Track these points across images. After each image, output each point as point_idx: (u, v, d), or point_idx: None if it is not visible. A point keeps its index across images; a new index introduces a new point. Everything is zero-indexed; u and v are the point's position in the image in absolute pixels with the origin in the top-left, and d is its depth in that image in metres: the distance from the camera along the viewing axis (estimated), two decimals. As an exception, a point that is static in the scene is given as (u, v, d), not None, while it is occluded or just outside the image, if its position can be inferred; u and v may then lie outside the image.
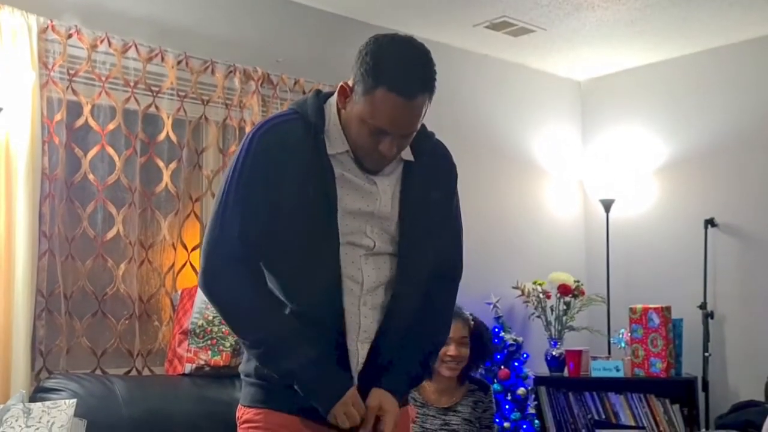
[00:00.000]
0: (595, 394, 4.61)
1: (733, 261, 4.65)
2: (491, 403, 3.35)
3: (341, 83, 1.87)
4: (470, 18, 4.29)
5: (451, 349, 3.18)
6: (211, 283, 1.87)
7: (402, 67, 1.81)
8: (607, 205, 4.97)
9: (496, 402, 3.72)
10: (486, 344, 3.46)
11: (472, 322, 3.36)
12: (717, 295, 4.63)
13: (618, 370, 4.51)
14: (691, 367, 4.52)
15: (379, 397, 1.90)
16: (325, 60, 4.10)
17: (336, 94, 1.88)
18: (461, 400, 3.28)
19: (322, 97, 1.92)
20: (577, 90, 5.41)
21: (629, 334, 4.54)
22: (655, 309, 4.45)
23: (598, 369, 4.55)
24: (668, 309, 4.45)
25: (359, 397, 1.87)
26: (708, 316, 4.52)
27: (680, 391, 4.50)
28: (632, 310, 4.53)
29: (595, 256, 5.16)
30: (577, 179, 5.30)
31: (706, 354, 4.46)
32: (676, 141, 4.94)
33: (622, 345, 4.59)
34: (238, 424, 1.97)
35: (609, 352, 4.78)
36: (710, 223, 4.66)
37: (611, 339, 4.74)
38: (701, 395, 4.45)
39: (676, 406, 4.48)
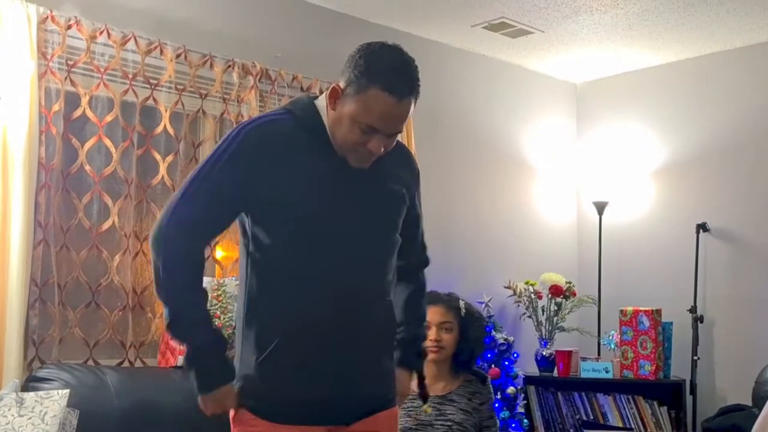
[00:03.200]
0: (583, 394, 4.64)
1: (724, 266, 4.68)
2: (489, 394, 3.28)
3: (333, 85, 1.94)
4: (469, 18, 4.30)
5: (431, 333, 3.15)
6: (161, 243, 1.93)
7: (393, 71, 1.91)
8: (601, 207, 5.00)
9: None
10: (472, 332, 3.32)
11: (464, 310, 3.31)
12: (707, 299, 4.66)
13: (607, 372, 4.54)
14: (679, 370, 4.56)
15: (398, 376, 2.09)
16: (324, 56, 4.11)
17: (326, 96, 1.95)
18: (456, 389, 3.23)
19: (312, 98, 2.01)
20: (573, 92, 5.43)
21: (619, 336, 4.57)
22: (645, 311, 4.48)
23: (588, 370, 4.58)
24: (658, 312, 4.48)
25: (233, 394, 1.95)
26: (698, 319, 4.55)
27: (668, 393, 4.53)
28: (622, 312, 4.56)
29: (587, 257, 5.19)
30: (571, 181, 5.33)
31: (695, 357, 4.49)
32: (670, 145, 4.97)
33: (612, 346, 4.62)
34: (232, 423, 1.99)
35: (599, 354, 4.81)
36: (702, 227, 4.70)
37: (601, 340, 4.77)
38: (689, 398, 4.48)
39: (664, 409, 4.52)
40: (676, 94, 4.98)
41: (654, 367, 4.42)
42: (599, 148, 5.21)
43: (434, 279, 4.07)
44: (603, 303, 4.89)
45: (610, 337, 4.63)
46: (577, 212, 5.35)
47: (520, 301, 4.72)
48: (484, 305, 4.49)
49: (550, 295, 4.69)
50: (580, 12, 4.17)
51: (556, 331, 4.70)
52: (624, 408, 4.57)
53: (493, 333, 4.45)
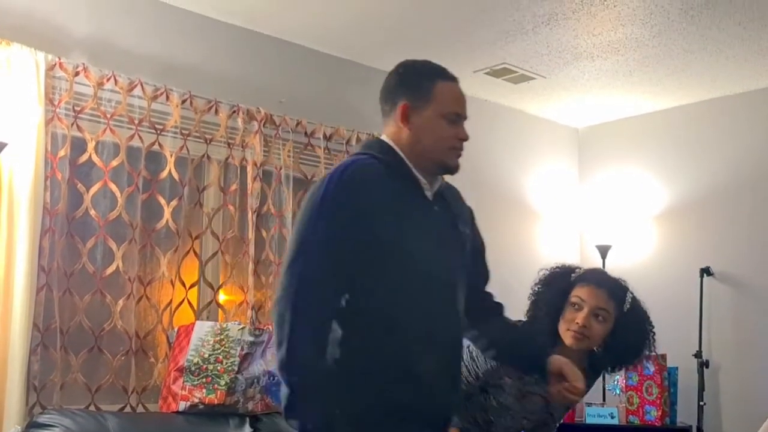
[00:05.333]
0: (590, 441, 4.59)
1: (729, 310, 4.66)
2: None
3: (401, 104, 2.00)
4: (471, 64, 4.35)
5: (581, 315, 2.52)
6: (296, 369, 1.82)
7: (435, 65, 2.09)
8: (604, 251, 4.99)
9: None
10: (626, 335, 2.59)
11: (628, 305, 2.59)
12: (712, 344, 4.63)
13: (613, 417, 4.49)
14: (685, 415, 4.51)
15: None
16: (327, 101, 4.16)
17: (397, 119, 2.01)
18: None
19: (377, 139, 2.07)
20: (575, 137, 5.47)
21: (624, 381, 4.53)
22: (650, 356, 4.44)
23: (593, 416, 4.53)
24: (663, 357, 4.45)
25: None
26: (703, 364, 4.51)
27: (675, 440, 4.48)
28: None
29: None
30: (574, 225, 5.33)
31: (701, 403, 4.45)
32: (672, 189, 4.99)
33: (617, 392, 4.58)
34: None
35: (604, 399, 4.77)
36: (706, 271, 4.69)
37: (606, 385, 4.73)
38: (699, 445, 4.44)
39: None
40: (677, 139, 5.01)
41: (660, 413, 4.38)
42: (602, 192, 5.23)
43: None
44: (607, 348, 4.85)
45: (616, 383, 4.60)
46: (581, 256, 5.34)
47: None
48: (487, 350, 4.46)
49: (554, 340, 4.66)
50: (580, 59, 4.22)
51: (561, 376, 4.65)
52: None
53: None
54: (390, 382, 1.86)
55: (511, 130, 5.10)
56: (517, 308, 4.81)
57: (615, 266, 5.00)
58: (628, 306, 2.61)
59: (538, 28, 3.86)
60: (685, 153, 4.96)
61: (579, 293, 2.58)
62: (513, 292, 4.89)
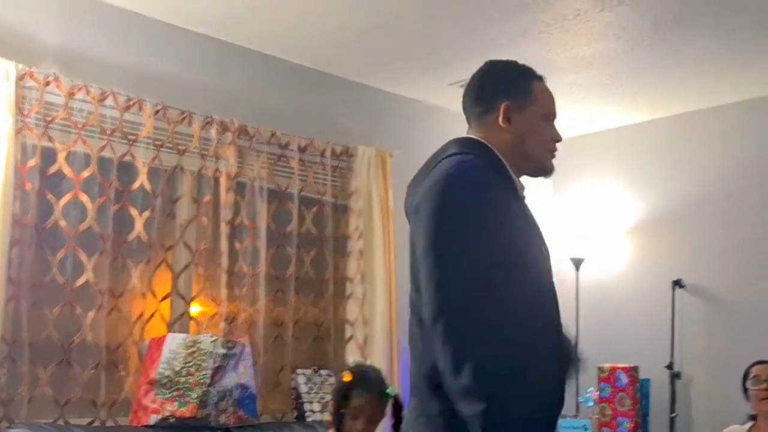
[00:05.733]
0: (562, 453, 4.60)
1: (700, 322, 4.70)
2: None
3: (503, 105, 1.90)
4: (446, 76, 4.36)
5: (358, 424, 2.80)
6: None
7: (524, 64, 2.01)
8: (578, 263, 5.02)
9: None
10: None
11: (393, 400, 2.91)
12: (684, 356, 4.67)
13: (586, 429, 4.51)
14: (658, 427, 4.54)
15: None
16: (302, 113, 4.16)
17: (497, 120, 1.90)
18: None
19: (471, 138, 1.94)
20: (549, 149, 5.50)
21: (597, 393, 4.55)
22: (623, 368, 4.48)
23: (567, 428, 4.55)
24: (636, 369, 4.48)
25: None
26: (675, 376, 4.55)
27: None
28: (601, 369, 4.56)
29: (565, 314, 5.17)
30: (548, 238, 5.33)
31: (673, 415, 4.48)
32: (645, 203, 5.03)
33: (590, 404, 4.60)
34: None
35: (577, 411, 4.78)
36: (678, 284, 4.73)
37: (579, 398, 4.75)
38: (667, 456, 4.46)
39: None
40: (650, 153, 5.06)
41: (633, 425, 4.41)
42: (576, 205, 5.26)
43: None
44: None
45: (589, 395, 4.61)
46: (555, 269, 5.34)
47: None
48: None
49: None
50: (554, 73, 4.22)
51: (535, 388, 4.67)
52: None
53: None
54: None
55: (486, 142, 5.11)
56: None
57: (588, 279, 5.05)
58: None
59: (513, 42, 3.88)
60: (658, 166, 5.01)
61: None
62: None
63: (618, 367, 4.49)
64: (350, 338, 4.09)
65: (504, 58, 4.07)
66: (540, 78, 1.98)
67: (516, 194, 1.91)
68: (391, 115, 4.62)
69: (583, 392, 4.69)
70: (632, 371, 4.46)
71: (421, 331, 1.76)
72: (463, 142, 1.91)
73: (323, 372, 3.88)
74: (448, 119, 4.88)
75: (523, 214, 1.89)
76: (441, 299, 1.65)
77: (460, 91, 4.71)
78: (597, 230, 5.10)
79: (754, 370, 3.75)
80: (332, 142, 4.13)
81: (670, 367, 4.58)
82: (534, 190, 5.27)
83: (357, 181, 4.20)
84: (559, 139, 1.95)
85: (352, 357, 4.03)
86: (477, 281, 1.64)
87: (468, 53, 4.05)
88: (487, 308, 1.63)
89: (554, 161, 1.97)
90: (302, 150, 4.04)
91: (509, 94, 1.92)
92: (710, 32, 3.76)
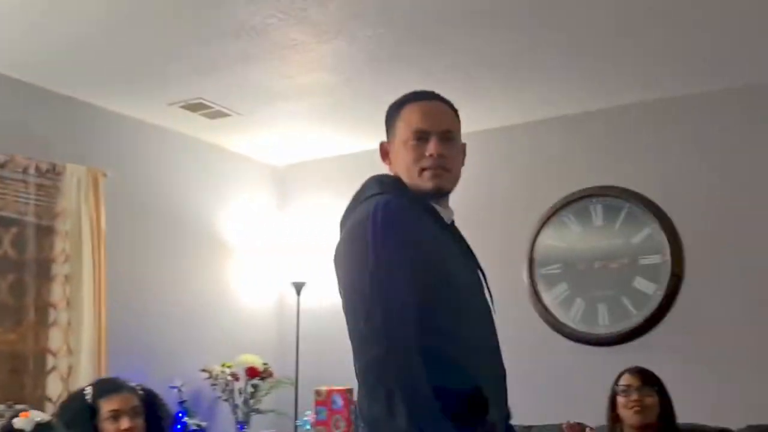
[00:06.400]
0: (279, 477, 4.61)
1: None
2: None
3: (380, 143, 2.01)
4: (166, 96, 4.26)
5: (124, 422, 2.92)
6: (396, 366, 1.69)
7: (411, 94, 1.99)
8: (299, 287, 5.09)
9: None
10: (161, 414, 3.19)
11: (141, 392, 3.11)
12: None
13: (302, 453, 4.56)
14: (371, 447, 4.68)
15: None
16: (12, 128, 3.86)
17: (381, 157, 2.00)
18: None
19: (380, 176, 1.98)
20: (274, 174, 5.55)
21: (314, 417, 4.62)
22: (339, 391, 4.58)
23: (283, 452, 4.57)
24: (351, 391, 4.59)
25: None
26: (388, 396, 4.72)
27: (357, 471, 4.63)
28: (318, 393, 4.63)
29: (285, 337, 5.24)
30: (271, 262, 5.37)
31: (385, 434, 4.64)
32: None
33: (308, 427, 4.65)
34: None
35: (298, 436, 4.83)
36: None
37: (297, 421, 4.80)
38: (380, 475, 4.61)
39: (357, 487, 4.61)
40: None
41: (347, 446, 4.52)
42: (300, 230, 5.33)
43: (125, 363, 3.91)
44: (301, 384, 4.93)
45: (306, 418, 4.67)
46: (278, 292, 5.40)
47: (216, 385, 4.62)
48: (177, 390, 4.35)
49: (247, 377, 4.65)
50: (276, 99, 4.29)
51: (253, 413, 4.65)
52: (319, 489, 4.59)
53: (186, 419, 4.30)
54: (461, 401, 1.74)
55: (209, 165, 5.05)
56: (211, 347, 4.77)
57: (310, 302, 5.13)
58: (141, 392, 3.09)
59: (232, 66, 3.87)
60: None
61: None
62: (207, 331, 4.87)
63: (334, 390, 4.59)
64: (52, 369, 3.82)
65: (224, 80, 4.08)
66: (402, 104, 1.97)
67: (438, 222, 1.92)
68: (108, 133, 4.41)
69: (301, 416, 4.74)
70: (347, 393, 4.57)
71: None
72: (381, 180, 1.96)
73: (18, 407, 3.58)
74: (168, 140, 4.77)
75: (445, 243, 1.91)
76: (361, 340, 1.81)
77: (181, 112, 4.65)
78: (320, 254, 5.20)
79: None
80: (36, 159, 3.86)
81: (383, 387, 4.75)
82: (258, 215, 5.33)
83: (65, 200, 3.95)
84: (430, 153, 1.89)
85: (54, 389, 3.77)
86: (391, 321, 1.71)
87: (188, 74, 3.99)
88: (404, 346, 1.70)
89: (426, 175, 1.92)
90: (2, 166, 3.74)
91: (387, 133, 2.00)
92: (418, 69, 3.98)
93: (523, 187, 4.78)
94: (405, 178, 1.93)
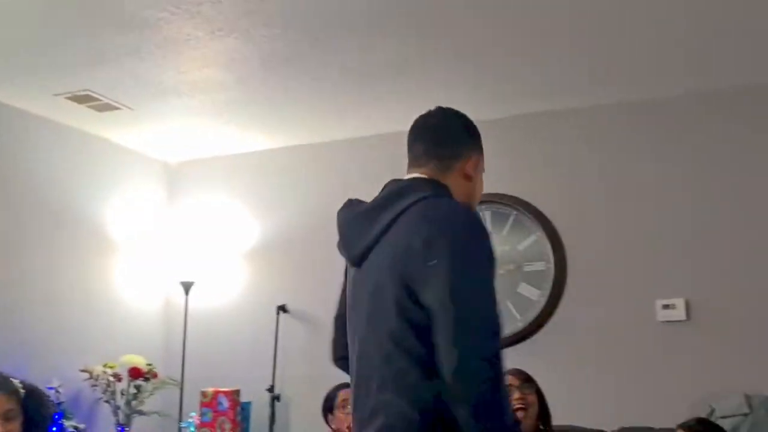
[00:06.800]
0: (161, 481, 4.52)
1: (301, 346, 4.92)
2: None
3: (473, 158, 1.99)
4: (52, 87, 4.11)
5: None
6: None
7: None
8: (187, 287, 5.00)
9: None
10: (43, 413, 2.91)
11: (23, 390, 2.83)
12: (285, 378, 4.84)
13: (185, 455, 4.48)
14: (257, 449, 4.65)
15: None
16: None
17: (463, 170, 1.98)
18: None
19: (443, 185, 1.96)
20: (165, 170, 5.43)
21: (199, 419, 4.55)
22: (224, 392, 4.53)
23: (166, 455, 4.48)
24: (237, 392, 4.56)
25: None
26: (275, 398, 4.71)
27: (244, 473, 4.59)
28: (203, 394, 4.57)
29: (172, 338, 5.14)
30: (159, 260, 5.26)
31: (271, 435, 4.63)
32: (257, 229, 5.18)
33: (192, 429, 4.58)
34: None
35: (180, 437, 4.74)
36: (282, 309, 4.91)
37: (182, 423, 4.71)
38: (265, 476, 4.59)
39: (241, 489, 4.57)
40: (265, 181, 5.22)
41: (232, 448, 4.47)
42: (190, 229, 5.25)
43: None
44: (187, 385, 4.84)
45: (191, 420, 4.59)
46: (165, 292, 5.29)
47: (97, 386, 4.49)
48: (54, 391, 4.19)
49: (130, 378, 4.53)
50: (167, 94, 4.20)
51: (135, 415, 4.54)
52: (200, 492, 4.53)
53: (63, 421, 4.16)
54: None
55: (96, 159, 4.90)
56: (94, 346, 4.62)
57: (199, 302, 5.05)
58: (23, 391, 2.83)
59: (122, 58, 3.77)
60: (269, 195, 5.19)
61: None
62: (89, 330, 4.72)
63: (220, 391, 4.53)
64: None
65: (113, 73, 3.97)
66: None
67: None
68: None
69: (186, 418, 4.66)
70: (234, 395, 4.53)
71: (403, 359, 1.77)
72: (433, 185, 1.92)
73: None
74: (53, 131, 4.60)
75: None
76: (470, 345, 1.67)
77: (68, 104, 4.49)
78: (210, 254, 5.13)
79: (342, 395, 3.89)
80: None
81: (271, 389, 4.73)
82: (148, 212, 5.20)
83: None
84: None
85: None
86: (492, 328, 1.70)
87: (74, 65, 3.86)
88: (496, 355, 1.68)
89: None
90: None
91: (476, 148, 2.01)
92: (313, 74, 3.98)
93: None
94: (463, 198, 1.96)
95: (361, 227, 1.93)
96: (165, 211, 5.39)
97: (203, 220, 5.28)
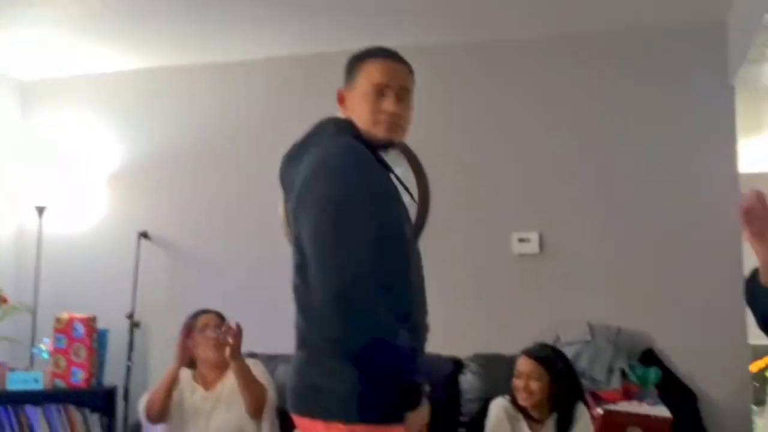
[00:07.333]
0: (10, 408, 4.37)
1: (163, 272, 4.84)
2: None
3: (338, 90, 2.19)
4: None
5: None
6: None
7: (376, 49, 2.20)
8: (41, 210, 4.80)
9: None
10: None
11: None
12: (145, 305, 4.75)
13: (37, 382, 4.35)
14: (113, 375, 4.58)
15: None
16: None
17: (338, 102, 2.19)
18: None
19: (333, 119, 2.16)
20: (20, 89, 5.14)
21: (53, 345, 4.42)
22: (80, 319, 4.41)
23: (16, 381, 4.33)
24: (93, 319, 4.44)
25: None
26: (135, 325, 4.63)
27: (101, 400, 4.51)
28: (58, 320, 4.43)
29: (25, 263, 4.94)
30: (12, 183, 5.01)
31: (129, 363, 4.56)
32: (121, 153, 5.00)
33: (45, 356, 4.45)
34: None
35: (31, 364, 4.60)
36: (144, 235, 4.80)
37: (33, 349, 4.57)
38: (121, 404, 4.52)
39: (96, 416, 4.50)
40: (129, 102, 5.02)
41: (87, 375, 4.37)
42: (46, 151, 5.01)
43: None
44: (40, 311, 4.69)
45: (43, 346, 4.46)
46: (17, 215, 5.06)
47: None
48: None
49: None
50: (18, 5, 3.93)
51: (-18, 341, 4.37)
52: (54, 419, 4.42)
53: None
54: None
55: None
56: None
57: (52, 228, 4.86)
58: None
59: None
60: (134, 117, 5.00)
61: None
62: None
63: (75, 318, 4.41)
64: None
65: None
66: (365, 57, 2.15)
67: (385, 167, 2.11)
68: None
69: (39, 343, 4.52)
70: (89, 322, 4.41)
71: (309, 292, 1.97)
72: (337, 123, 2.13)
73: None
74: None
75: (395, 189, 2.11)
76: (334, 278, 1.88)
77: None
78: (69, 177, 4.93)
79: (202, 319, 3.74)
80: None
81: (130, 316, 4.65)
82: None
83: None
84: (387, 109, 2.09)
85: None
86: (367, 262, 1.89)
87: None
88: (376, 281, 1.90)
89: (380, 127, 2.10)
90: None
91: (345, 80, 2.19)
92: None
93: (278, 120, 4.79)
94: (360, 125, 2.12)
95: (287, 163, 2.24)
96: (17, 131, 5.11)
97: (61, 143, 5.04)
